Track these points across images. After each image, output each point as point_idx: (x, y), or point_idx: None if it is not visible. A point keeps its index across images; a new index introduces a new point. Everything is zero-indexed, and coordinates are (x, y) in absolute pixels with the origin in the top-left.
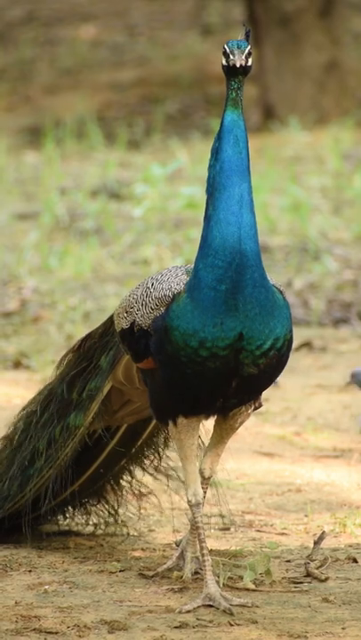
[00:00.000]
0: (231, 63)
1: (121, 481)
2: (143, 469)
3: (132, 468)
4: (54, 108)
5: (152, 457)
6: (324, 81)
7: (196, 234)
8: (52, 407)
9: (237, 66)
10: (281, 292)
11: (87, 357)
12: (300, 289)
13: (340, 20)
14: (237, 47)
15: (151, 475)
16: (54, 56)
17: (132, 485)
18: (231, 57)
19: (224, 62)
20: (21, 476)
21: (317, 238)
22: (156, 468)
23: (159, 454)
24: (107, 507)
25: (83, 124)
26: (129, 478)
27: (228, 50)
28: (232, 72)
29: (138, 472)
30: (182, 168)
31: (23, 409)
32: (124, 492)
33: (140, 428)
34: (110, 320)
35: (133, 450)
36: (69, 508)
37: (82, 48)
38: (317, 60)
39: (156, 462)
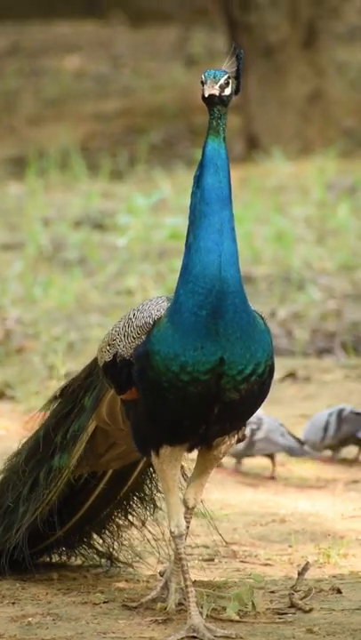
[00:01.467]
0: (202, 93)
1: (107, 526)
2: (129, 518)
3: (117, 514)
4: (38, 139)
5: (138, 503)
6: (307, 111)
7: (180, 264)
8: (37, 454)
9: (206, 96)
10: (262, 319)
11: (71, 400)
12: (283, 319)
13: (323, 51)
14: (213, 77)
15: (137, 527)
16: (39, 87)
17: (118, 530)
18: (203, 87)
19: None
20: (7, 520)
21: (301, 268)
22: (143, 521)
23: (145, 499)
24: (92, 549)
25: (66, 155)
26: (115, 524)
27: (203, 79)
28: (208, 102)
29: (123, 520)
30: (166, 198)
31: (9, 457)
32: (110, 534)
33: (126, 474)
34: (94, 362)
35: (119, 497)
36: (55, 550)
37: (66, 79)
38: (301, 90)
39: (142, 511)
